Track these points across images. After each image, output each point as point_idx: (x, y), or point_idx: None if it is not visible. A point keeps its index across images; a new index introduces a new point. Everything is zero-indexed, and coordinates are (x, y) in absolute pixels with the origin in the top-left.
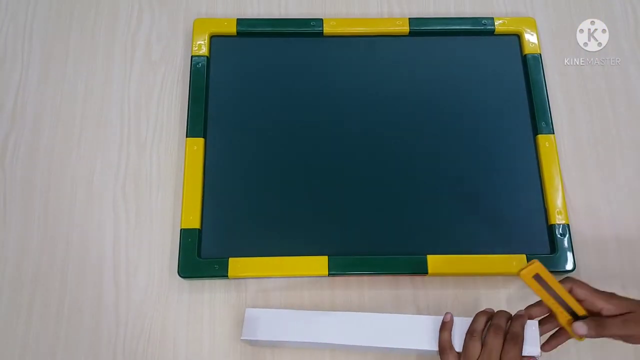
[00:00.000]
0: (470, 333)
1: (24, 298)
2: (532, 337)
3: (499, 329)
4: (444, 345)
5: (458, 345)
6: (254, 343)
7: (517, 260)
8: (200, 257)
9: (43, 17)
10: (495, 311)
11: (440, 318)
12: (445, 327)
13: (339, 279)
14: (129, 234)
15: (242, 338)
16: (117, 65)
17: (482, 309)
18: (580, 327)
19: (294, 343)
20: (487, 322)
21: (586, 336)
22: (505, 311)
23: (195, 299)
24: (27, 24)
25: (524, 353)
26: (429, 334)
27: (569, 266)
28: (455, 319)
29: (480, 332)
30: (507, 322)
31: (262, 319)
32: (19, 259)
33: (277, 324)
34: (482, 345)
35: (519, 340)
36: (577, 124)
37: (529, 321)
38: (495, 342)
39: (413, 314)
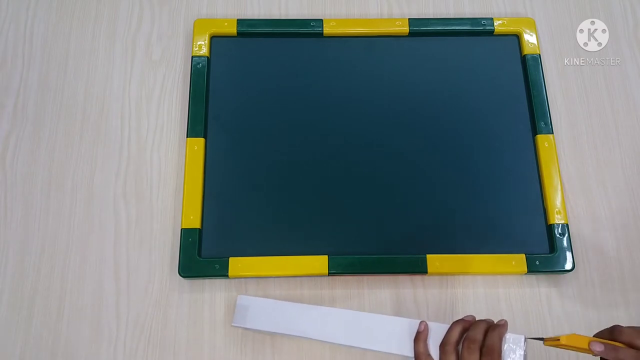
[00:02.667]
0: (442, 346)
1: (24, 297)
2: (515, 351)
3: (473, 343)
4: (420, 359)
5: (435, 354)
6: (246, 329)
7: (516, 260)
8: (201, 257)
9: (43, 18)
10: (475, 319)
11: (427, 323)
12: (420, 337)
13: (338, 279)
14: (129, 234)
15: (232, 325)
16: (117, 66)
17: (463, 317)
18: (597, 345)
19: (280, 334)
20: (463, 332)
21: (601, 354)
22: (484, 321)
23: (195, 298)
24: (28, 24)
25: None
26: (410, 338)
27: (568, 266)
28: (433, 325)
29: (454, 344)
30: (484, 333)
31: (251, 307)
32: (20, 258)
33: (265, 314)
34: None
35: (494, 355)
36: (577, 124)
37: (515, 335)
38: (470, 358)
39: (405, 317)
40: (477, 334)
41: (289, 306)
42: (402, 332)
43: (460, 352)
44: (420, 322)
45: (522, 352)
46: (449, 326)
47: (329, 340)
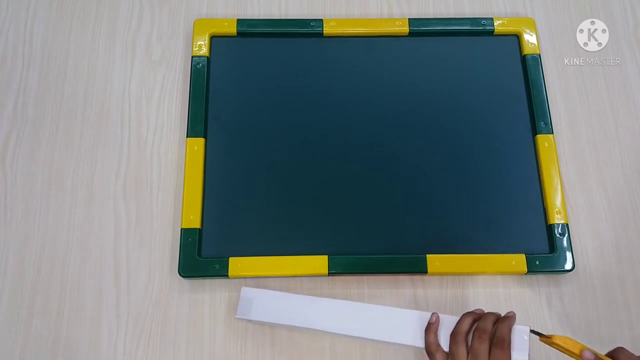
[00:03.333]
0: (453, 336)
1: (24, 298)
2: (522, 343)
3: (484, 333)
4: (431, 349)
5: (445, 344)
6: (249, 321)
7: (516, 260)
8: (201, 257)
9: (43, 18)
10: (485, 312)
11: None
12: (431, 328)
13: (338, 279)
14: (129, 234)
15: (236, 316)
16: (117, 66)
17: (471, 309)
18: (589, 354)
19: (285, 326)
20: (472, 323)
21: None
22: (493, 313)
23: (195, 298)
24: (28, 24)
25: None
26: (420, 329)
27: (567, 266)
28: (443, 317)
29: (464, 335)
30: (494, 324)
31: (256, 299)
32: (20, 258)
33: (270, 306)
34: (469, 350)
35: (505, 344)
36: (577, 124)
37: (520, 327)
38: (480, 347)
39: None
40: (487, 324)
41: (293, 298)
42: (411, 324)
43: (470, 342)
44: (432, 314)
45: (528, 342)
46: (458, 318)
47: (335, 331)
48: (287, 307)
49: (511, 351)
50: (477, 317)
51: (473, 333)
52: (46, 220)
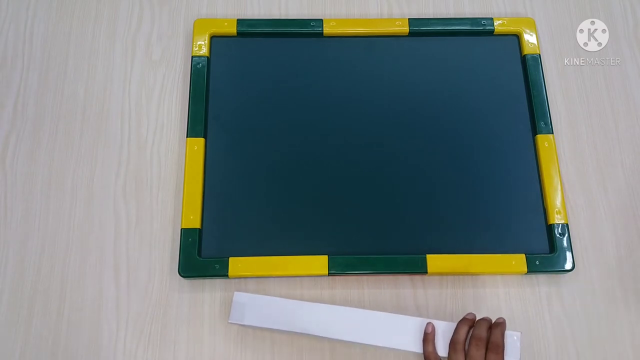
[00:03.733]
0: (453, 344)
1: (24, 298)
2: (513, 347)
3: (480, 340)
4: (430, 358)
5: (442, 351)
6: (242, 326)
7: (516, 260)
8: (201, 257)
9: (43, 18)
10: (477, 319)
11: (428, 321)
12: (428, 338)
13: (338, 279)
14: (129, 234)
15: (229, 321)
16: (117, 66)
17: (465, 316)
18: None
19: (279, 331)
20: (469, 330)
21: None
22: (486, 319)
23: (195, 298)
24: (28, 24)
25: None
26: (416, 335)
27: (568, 266)
28: (439, 323)
29: (462, 343)
30: (488, 330)
31: (249, 304)
32: (20, 258)
33: (263, 310)
34: (465, 357)
35: (499, 350)
36: (577, 124)
37: (511, 332)
38: (478, 354)
39: (404, 314)
40: (482, 332)
41: (287, 303)
42: (406, 330)
43: (467, 349)
44: (427, 324)
45: (519, 346)
46: (453, 324)
47: (329, 336)
48: (281, 312)
49: (504, 355)
50: (472, 323)
51: (470, 340)
52: (46, 220)
